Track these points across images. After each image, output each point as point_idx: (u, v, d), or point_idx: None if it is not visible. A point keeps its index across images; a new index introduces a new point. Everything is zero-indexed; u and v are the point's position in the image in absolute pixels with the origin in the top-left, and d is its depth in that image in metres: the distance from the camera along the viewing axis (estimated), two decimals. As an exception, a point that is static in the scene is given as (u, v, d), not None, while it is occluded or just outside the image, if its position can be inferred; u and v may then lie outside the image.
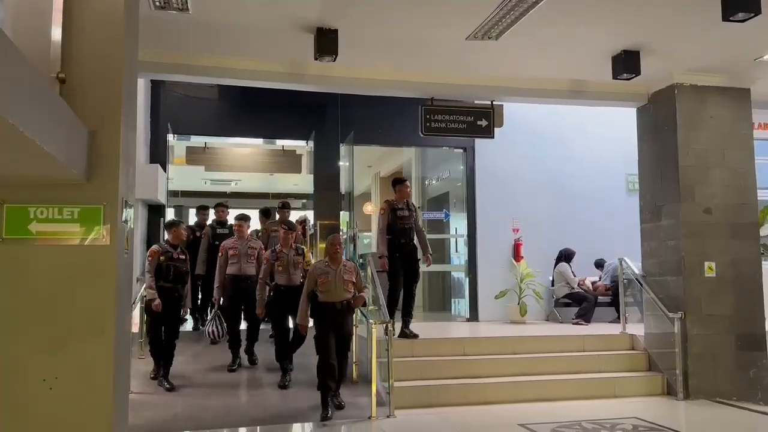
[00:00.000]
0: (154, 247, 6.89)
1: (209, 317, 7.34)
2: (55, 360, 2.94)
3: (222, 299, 7.41)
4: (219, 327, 7.23)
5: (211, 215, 9.20)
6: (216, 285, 7.41)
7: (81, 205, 3.01)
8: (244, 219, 7.65)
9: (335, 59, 5.83)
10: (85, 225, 3.01)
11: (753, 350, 7.04)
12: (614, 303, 8.99)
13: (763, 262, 7.38)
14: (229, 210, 8.95)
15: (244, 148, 12.28)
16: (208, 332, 7.29)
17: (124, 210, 3.23)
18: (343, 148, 9.92)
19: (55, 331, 2.95)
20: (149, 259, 6.72)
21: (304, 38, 5.84)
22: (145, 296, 6.78)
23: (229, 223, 8.60)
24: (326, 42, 5.73)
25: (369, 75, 6.81)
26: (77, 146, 2.82)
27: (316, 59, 5.84)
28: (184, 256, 6.88)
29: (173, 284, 6.70)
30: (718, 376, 6.93)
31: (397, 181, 7.62)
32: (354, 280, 6.10)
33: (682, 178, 7.11)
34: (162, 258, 6.65)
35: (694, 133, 7.17)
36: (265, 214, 8.99)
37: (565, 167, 10.24)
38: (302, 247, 7.17)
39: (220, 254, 7.41)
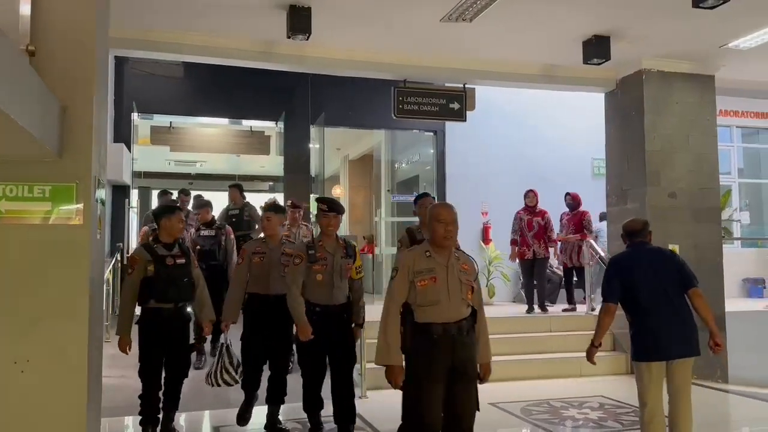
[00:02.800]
0: (137, 252, 4.69)
1: (216, 356, 4.88)
2: (26, 342, 2.85)
3: (242, 331, 4.94)
4: (227, 370, 4.74)
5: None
6: (226, 305, 4.92)
7: (52, 183, 2.91)
8: (277, 210, 5.16)
9: (308, 38, 5.75)
10: (57, 203, 2.91)
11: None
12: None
13: (723, 246, 7.60)
14: (212, 210, 7.00)
15: (211, 128, 12.07)
16: (212, 379, 4.76)
17: (97, 189, 3.14)
18: (313, 130, 9.83)
19: (26, 312, 2.87)
20: (129, 271, 4.54)
21: (277, 16, 5.74)
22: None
23: (217, 224, 6.95)
24: (299, 20, 5.65)
25: (342, 55, 6.74)
26: (50, 122, 2.72)
27: (288, 37, 5.76)
28: (184, 260, 4.62)
29: (175, 303, 4.53)
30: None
31: (421, 196, 5.38)
32: (474, 285, 3.59)
33: (648, 163, 7.25)
34: (151, 268, 4.43)
35: (661, 119, 7.31)
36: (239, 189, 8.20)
37: (533, 151, 10.35)
38: (354, 243, 4.78)
39: (239, 260, 5.02)
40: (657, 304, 4.07)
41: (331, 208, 4.51)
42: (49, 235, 2.91)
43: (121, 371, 6.33)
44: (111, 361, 6.53)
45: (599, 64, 6.60)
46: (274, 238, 4.99)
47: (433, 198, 5.44)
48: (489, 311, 8.44)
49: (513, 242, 8.47)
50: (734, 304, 8.15)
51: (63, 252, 2.92)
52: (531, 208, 8.50)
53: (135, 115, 9.43)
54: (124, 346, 4.47)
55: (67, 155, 2.94)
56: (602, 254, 7.95)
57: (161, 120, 11.10)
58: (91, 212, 3.00)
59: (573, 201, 8.63)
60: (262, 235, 5.27)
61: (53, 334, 2.88)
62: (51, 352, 2.87)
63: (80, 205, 2.95)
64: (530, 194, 8.55)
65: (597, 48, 6.44)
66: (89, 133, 3.00)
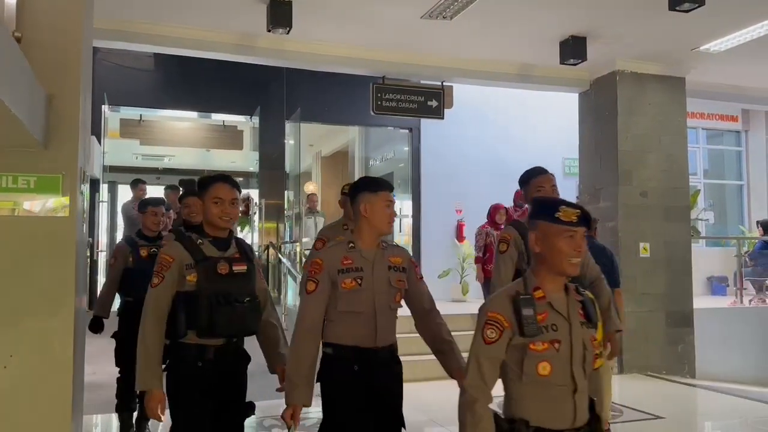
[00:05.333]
0: (170, 248, 2.78)
1: None
2: (10, 337, 2.77)
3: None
4: None
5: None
6: (292, 371, 2.63)
7: (38, 174, 2.84)
8: (384, 186, 2.80)
9: (289, 32, 5.71)
10: (43, 195, 2.83)
11: (681, 327, 7.46)
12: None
13: (692, 244, 7.80)
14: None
15: (183, 121, 11.87)
16: None
17: (82, 181, 3.07)
18: (288, 126, 9.76)
19: (9, 306, 2.78)
20: (156, 282, 2.71)
21: (257, 9, 5.68)
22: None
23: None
24: (280, 13, 5.60)
25: (322, 50, 6.70)
26: (37, 110, 2.65)
27: (269, 31, 5.71)
28: (245, 267, 2.84)
29: (237, 333, 2.82)
30: (650, 351, 7.30)
31: (536, 173, 3.56)
32: None
33: (621, 162, 7.39)
34: (191, 277, 2.71)
35: (633, 119, 7.45)
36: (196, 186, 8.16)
37: (506, 150, 10.44)
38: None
39: (309, 286, 2.68)
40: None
41: (585, 217, 2.08)
42: (34, 227, 2.83)
43: (92, 368, 6.20)
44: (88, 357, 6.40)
45: (575, 64, 6.70)
46: (373, 241, 2.73)
47: (552, 175, 3.56)
48: (463, 308, 8.59)
49: (477, 260, 7.55)
50: (700, 301, 8.37)
51: (48, 245, 2.84)
52: (499, 225, 7.37)
53: (105, 107, 9.22)
54: (155, 405, 2.64)
55: (53, 145, 2.87)
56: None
57: (131, 113, 10.89)
58: (78, 204, 2.93)
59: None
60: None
61: (38, 328, 2.80)
62: (35, 347, 2.79)
63: (66, 197, 2.87)
64: (501, 210, 7.54)
65: (573, 48, 6.54)
66: (76, 123, 2.92)
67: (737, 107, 11.46)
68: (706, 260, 10.70)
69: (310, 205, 9.44)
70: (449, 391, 6.47)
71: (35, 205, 2.83)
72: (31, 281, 2.81)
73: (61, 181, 2.86)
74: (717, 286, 11.00)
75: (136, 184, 8.07)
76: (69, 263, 2.87)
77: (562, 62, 6.69)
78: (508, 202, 9.09)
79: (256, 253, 4.40)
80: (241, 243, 2.92)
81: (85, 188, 3.14)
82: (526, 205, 8.25)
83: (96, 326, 4.66)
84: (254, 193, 10.08)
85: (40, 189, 2.83)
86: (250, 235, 10.22)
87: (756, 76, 8.00)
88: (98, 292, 7.01)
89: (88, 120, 3.30)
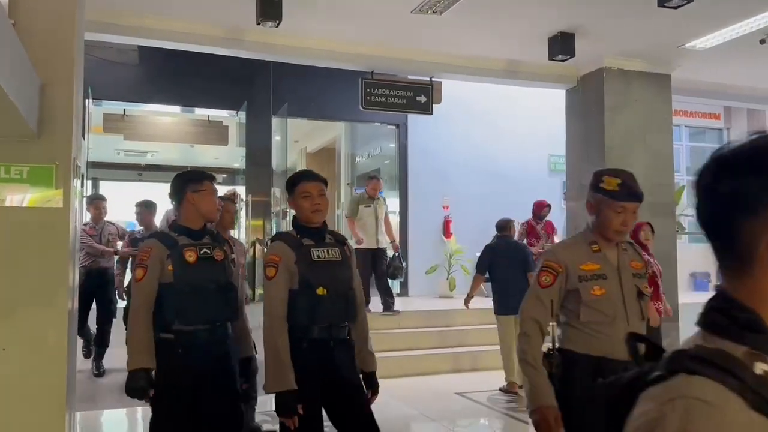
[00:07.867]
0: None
1: None
2: (3, 329, 2.73)
3: None
4: None
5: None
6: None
7: (31, 164, 2.79)
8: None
9: (278, 25, 5.66)
10: (36, 186, 2.79)
11: (667, 321, 7.52)
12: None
13: (677, 239, 7.89)
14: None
15: (167, 116, 11.74)
16: None
17: (74, 173, 3.02)
18: (275, 121, 9.70)
19: (2, 298, 2.74)
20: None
21: (246, 1, 5.62)
22: None
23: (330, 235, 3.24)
24: (270, 6, 5.55)
25: (311, 44, 6.67)
26: (31, 98, 2.60)
27: (258, 24, 5.66)
28: None
29: None
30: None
31: None
32: None
33: (608, 159, 7.43)
34: None
35: (620, 116, 7.51)
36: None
37: (493, 146, 10.49)
38: None
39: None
40: (506, 279, 6.05)
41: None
42: (27, 218, 2.78)
43: (79, 364, 6.13)
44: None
45: (564, 60, 6.73)
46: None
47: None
48: (452, 304, 8.60)
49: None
50: (683, 297, 8.46)
51: (42, 236, 2.80)
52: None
53: (89, 102, 9.08)
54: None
55: (46, 135, 2.82)
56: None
57: (114, 107, 10.75)
58: (71, 195, 2.89)
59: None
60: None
61: (31, 320, 2.76)
62: (29, 339, 2.75)
63: (59, 188, 2.83)
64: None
65: (562, 45, 6.57)
66: (69, 112, 2.88)
67: (719, 105, 11.61)
68: (689, 256, 10.82)
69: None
70: (437, 385, 6.49)
71: (28, 195, 2.78)
72: (24, 272, 2.77)
73: (54, 172, 2.82)
74: (699, 281, 11.14)
75: (93, 201, 6.86)
76: (63, 254, 2.83)
77: (550, 58, 6.71)
78: (499, 198, 9.13)
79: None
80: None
81: (77, 182, 3.09)
82: (547, 219, 8.13)
83: (143, 387, 2.64)
84: (240, 190, 10.00)
85: (33, 179, 2.79)
86: (237, 232, 10.14)
87: (738, 74, 8.10)
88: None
89: (80, 110, 3.25)
